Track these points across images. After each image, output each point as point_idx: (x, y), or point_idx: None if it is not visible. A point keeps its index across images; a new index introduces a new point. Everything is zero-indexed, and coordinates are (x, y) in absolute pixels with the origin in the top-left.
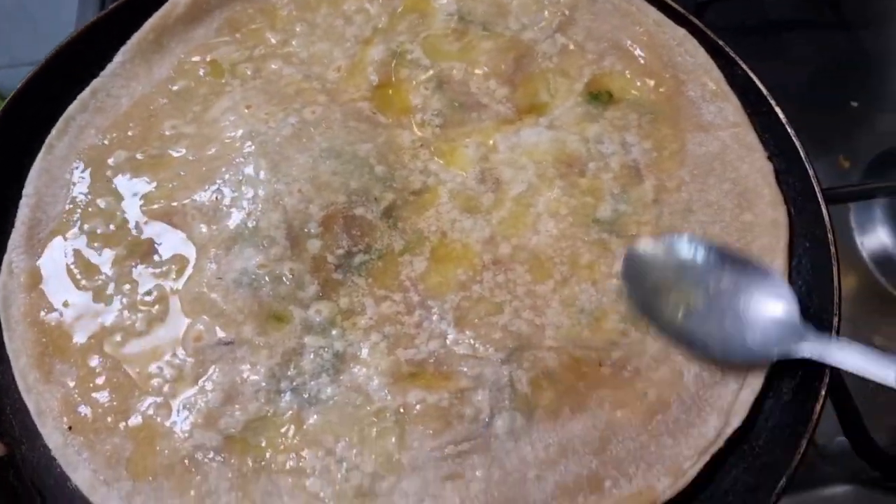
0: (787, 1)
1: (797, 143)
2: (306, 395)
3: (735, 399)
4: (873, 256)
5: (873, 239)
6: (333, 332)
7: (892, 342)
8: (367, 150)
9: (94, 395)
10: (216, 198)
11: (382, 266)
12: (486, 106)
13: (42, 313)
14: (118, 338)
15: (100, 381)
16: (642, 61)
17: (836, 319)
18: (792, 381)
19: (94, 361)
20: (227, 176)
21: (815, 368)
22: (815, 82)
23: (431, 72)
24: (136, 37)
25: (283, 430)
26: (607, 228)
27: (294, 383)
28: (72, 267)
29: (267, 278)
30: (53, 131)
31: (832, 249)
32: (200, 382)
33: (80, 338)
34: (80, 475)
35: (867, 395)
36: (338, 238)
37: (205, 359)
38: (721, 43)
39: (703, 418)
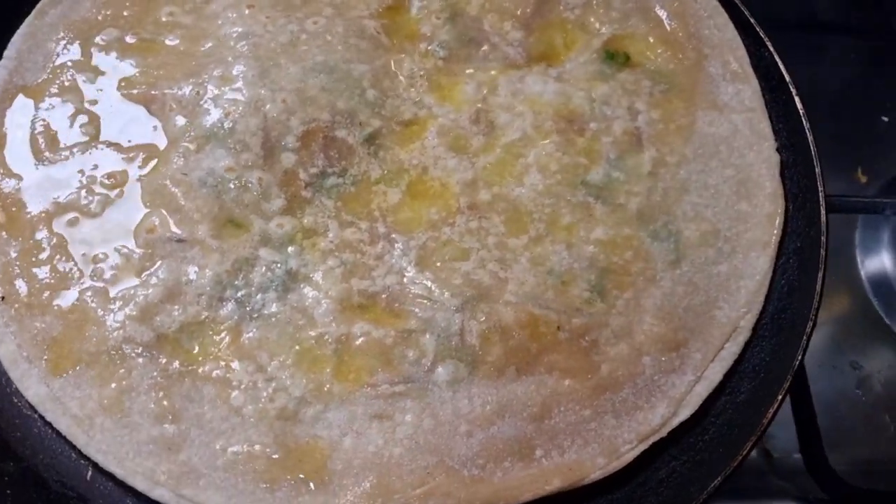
0: (839, 4)
1: (810, 139)
2: (249, 308)
3: (689, 391)
4: (871, 278)
5: (875, 261)
6: (290, 249)
7: (872, 364)
8: (361, 72)
9: (33, 269)
10: (198, 92)
11: (355, 192)
12: (496, 46)
13: None
14: (70, 216)
15: (42, 256)
16: (668, 28)
17: (810, 325)
18: (752, 382)
19: (41, 235)
20: (214, 72)
21: (776, 374)
22: (849, 89)
23: (447, 1)
24: None
25: (218, 338)
26: (594, 193)
27: (239, 293)
28: (38, 136)
29: (233, 183)
30: None
31: (822, 253)
32: (144, 275)
33: (31, 209)
34: (4, 347)
35: (835, 418)
36: (314, 156)
37: (154, 252)
38: (752, 21)
39: (651, 404)
